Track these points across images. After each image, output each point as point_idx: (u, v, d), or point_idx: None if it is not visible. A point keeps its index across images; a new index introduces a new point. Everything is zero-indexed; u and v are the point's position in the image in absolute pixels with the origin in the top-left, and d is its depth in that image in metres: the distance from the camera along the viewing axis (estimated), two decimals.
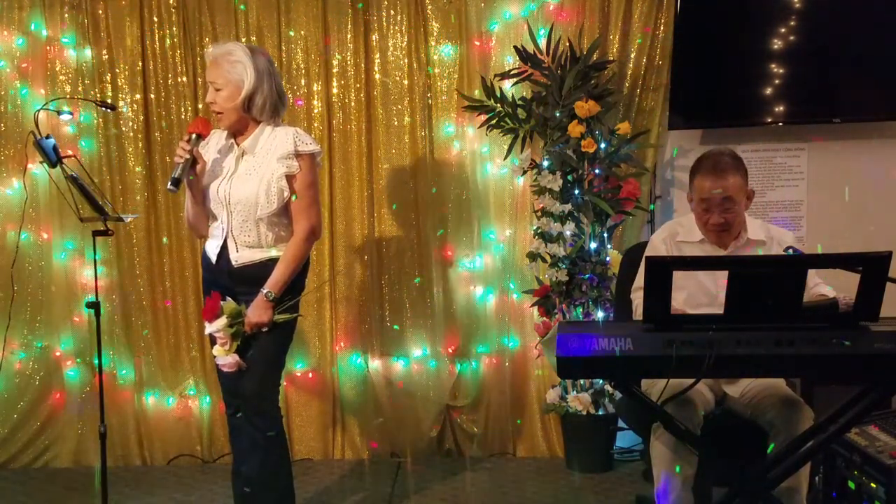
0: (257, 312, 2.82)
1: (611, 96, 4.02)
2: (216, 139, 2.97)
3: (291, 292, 2.89)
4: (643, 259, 3.06)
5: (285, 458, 3.00)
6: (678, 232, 3.02)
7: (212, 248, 2.94)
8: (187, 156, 2.80)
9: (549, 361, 2.23)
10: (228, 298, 2.86)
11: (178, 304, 4.24)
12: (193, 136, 2.83)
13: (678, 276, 2.90)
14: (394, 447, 4.25)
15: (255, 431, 2.88)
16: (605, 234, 3.98)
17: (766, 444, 2.67)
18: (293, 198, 2.85)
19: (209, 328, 2.81)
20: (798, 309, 2.16)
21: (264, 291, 2.81)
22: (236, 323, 2.80)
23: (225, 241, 2.89)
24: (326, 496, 3.78)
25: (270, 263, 2.86)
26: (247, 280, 2.86)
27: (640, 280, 3.05)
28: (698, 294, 2.86)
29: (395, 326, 4.25)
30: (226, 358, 2.82)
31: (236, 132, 2.90)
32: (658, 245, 3.00)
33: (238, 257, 2.87)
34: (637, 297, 3.03)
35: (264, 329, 2.84)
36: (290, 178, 2.84)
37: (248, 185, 2.83)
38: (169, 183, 2.81)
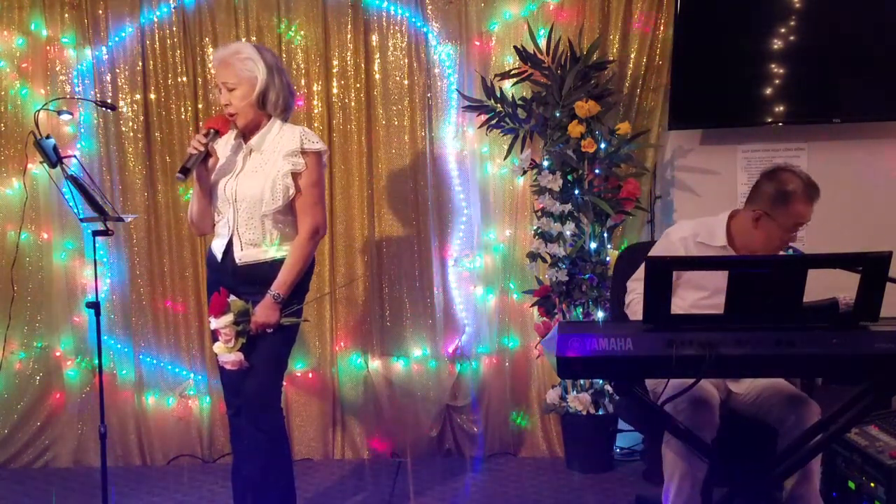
0: (265, 313, 2.81)
1: (611, 96, 4.02)
2: (224, 137, 2.97)
3: (297, 293, 2.89)
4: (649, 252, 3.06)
5: (286, 459, 3.00)
6: (699, 233, 2.98)
7: (218, 247, 2.94)
8: (202, 149, 2.81)
9: (549, 361, 2.23)
10: (233, 297, 2.85)
11: (178, 304, 4.24)
12: (212, 131, 2.84)
13: (699, 276, 2.89)
14: (394, 447, 4.25)
15: (256, 432, 2.87)
16: (605, 234, 3.98)
17: (775, 442, 2.67)
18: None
19: (215, 323, 2.81)
20: (798, 309, 2.16)
21: (272, 293, 2.81)
22: (242, 321, 2.80)
23: (230, 238, 2.89)
24: (326, 496, 3.78)
25: (274, 264, 2.86)
26: (250, 280, 2.86)
27: (641, 272, 3.03)
28: (716, 294, 2.84)
29: (397, 328, 4.26)
30: (228, 355, 2.81)
31: (248, 132, 2.91)
32: (674, 241, 2.96)
33: (242, 256, 2.87)
34: (634, 288, 3.00)
35: (269, 330, 2.84)
36: (295, 175, 2.84)
37: (254, 183, 2.84)
38: (178, 171, 2.81)
